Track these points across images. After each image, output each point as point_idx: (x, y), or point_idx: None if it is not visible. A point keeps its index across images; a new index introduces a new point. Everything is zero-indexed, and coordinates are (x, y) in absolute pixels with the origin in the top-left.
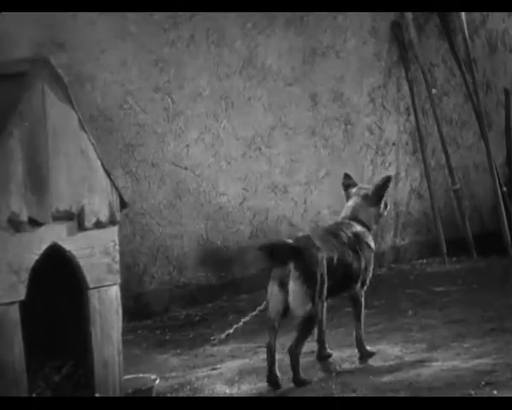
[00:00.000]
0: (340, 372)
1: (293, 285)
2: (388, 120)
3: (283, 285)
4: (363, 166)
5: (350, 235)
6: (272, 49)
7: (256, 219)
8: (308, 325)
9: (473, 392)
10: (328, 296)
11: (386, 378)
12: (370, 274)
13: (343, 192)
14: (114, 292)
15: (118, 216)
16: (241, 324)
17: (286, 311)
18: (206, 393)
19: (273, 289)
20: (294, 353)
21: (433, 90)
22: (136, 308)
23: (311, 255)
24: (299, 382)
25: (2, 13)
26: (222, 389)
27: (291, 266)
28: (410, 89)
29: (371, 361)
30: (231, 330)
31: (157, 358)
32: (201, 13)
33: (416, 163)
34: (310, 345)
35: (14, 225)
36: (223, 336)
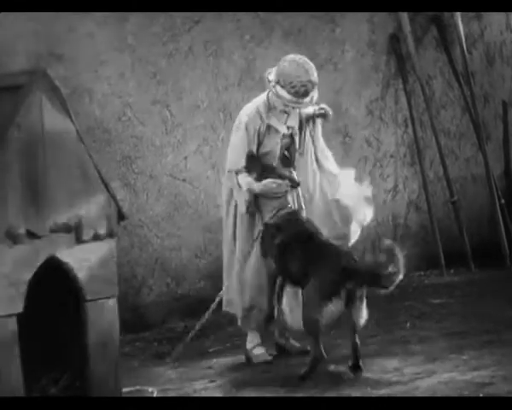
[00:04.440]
0: (338, 384)
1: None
2: (386, 132)
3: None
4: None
5: None
6: (270, 60)
7: None
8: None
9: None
10: None
11: (384, 391)
12: None
13: None
14: (112, 304)
15: (116, 228)
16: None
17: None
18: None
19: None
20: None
21: None
22: (134, 320)
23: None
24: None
25: (1, 20)
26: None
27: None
28: (408, 101)
29: (370, 374)
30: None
31: (155, 370)
32: (199, 25)
33: (414, 175)
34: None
35: (12, 237)
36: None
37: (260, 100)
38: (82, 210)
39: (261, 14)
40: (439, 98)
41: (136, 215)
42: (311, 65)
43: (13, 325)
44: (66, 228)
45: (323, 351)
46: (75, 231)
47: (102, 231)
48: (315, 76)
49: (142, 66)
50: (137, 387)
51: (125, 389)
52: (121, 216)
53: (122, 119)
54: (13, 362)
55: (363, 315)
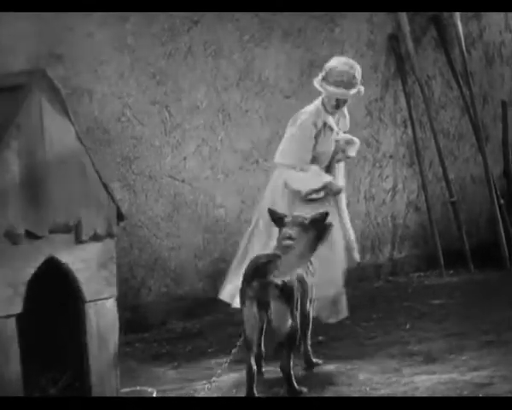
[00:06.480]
0: (336, 385)
1: (274, 304)
2: (385, 132)
3: (263, 305)
4: (360, 178)
5: None
6: (269, 61)
7: None
8: (293, 339)
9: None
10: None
11: (383, 391)
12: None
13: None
14: (111, 305)
15: (115, 229)
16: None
17: (262, 330)
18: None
19: (251, 310)
20: (287, 367)
21: None
22: (134, 321)
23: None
24: (294, 392)
25: (1, 20)
26: None
27: (270, 285)
28: (408, 101)
29: (369, 374)
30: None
31: (154, 371)
32: (199, 25)
33: (414, 176)
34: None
35: (11, 237)
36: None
37: (317, 102)
38: (81, 210)
39: (260, 14)
40: (439, 98)
41: (135, 216)
42: (355, 64)
43: (12, 325)
44: (66, 228)
45: (252, 362)
46: (74, 232)
47: (102, 231)
48: (359, 73)
49: (142, 66)
50: (137, 387)
51: (124, 390)
52: (120, 217)
53: (121, 119)
54: (13, 362)
55: (279, 317)
